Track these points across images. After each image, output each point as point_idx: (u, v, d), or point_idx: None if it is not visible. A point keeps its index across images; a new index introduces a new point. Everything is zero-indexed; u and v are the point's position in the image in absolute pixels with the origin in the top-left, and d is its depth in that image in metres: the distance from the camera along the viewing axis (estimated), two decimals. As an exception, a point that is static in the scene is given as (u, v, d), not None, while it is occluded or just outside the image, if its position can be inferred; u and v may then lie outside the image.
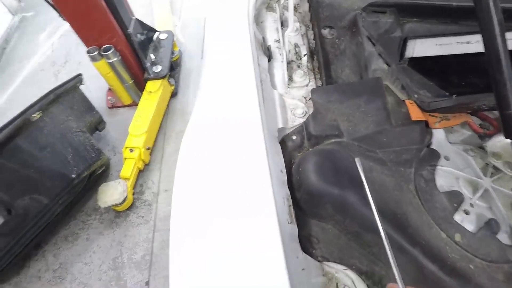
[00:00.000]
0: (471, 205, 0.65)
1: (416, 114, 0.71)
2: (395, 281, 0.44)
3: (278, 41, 0.88)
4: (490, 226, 0.62)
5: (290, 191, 0.65)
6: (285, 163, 0.69)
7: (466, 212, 0.64)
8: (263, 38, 0.87)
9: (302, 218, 0.65)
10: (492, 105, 0.75)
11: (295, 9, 0.94)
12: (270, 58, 0.84)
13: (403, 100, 0.74)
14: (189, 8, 1.74)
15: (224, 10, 1.08)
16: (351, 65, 0.82)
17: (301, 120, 0.75)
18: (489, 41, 0.51)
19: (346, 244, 0.62)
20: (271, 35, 0.90)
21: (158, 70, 1.26)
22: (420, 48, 0.81)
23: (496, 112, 0.83)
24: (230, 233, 0.52)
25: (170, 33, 1.38)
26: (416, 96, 0.73)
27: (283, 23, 0.91)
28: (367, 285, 0.60)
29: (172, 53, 1.37)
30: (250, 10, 0.90)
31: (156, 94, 1.25)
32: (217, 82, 0.85)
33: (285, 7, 0.94)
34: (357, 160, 0.56)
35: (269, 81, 0.78)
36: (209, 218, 0.54)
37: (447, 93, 0.79)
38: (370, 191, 0.62)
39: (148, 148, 1.20)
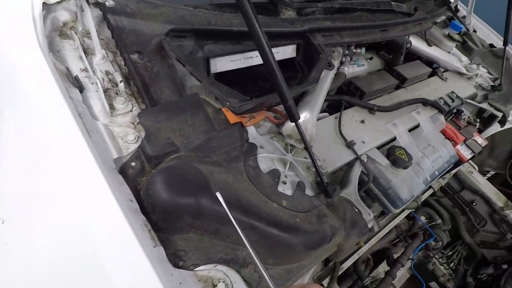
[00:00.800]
0: (285, 176, 0.87)
1: (232, 118, 0.87)
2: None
3: (85, 70, 0.83)
4: (299, 187, 0.85)
5: (145, 216, 0.65)
6: (132, 191, 0.68)
7: (284, 182, 0.85)
8: (67, 68, 0.80)
9: (165, 238, 0.66)
10: (278, 101, 1.01)
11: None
12: (81, 89, 0.78)
13: (220, 109, 0.88)
14: None
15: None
16: (168, 86, 0.89)
17: (136, 146, 0.75)
18: (264, 57, 0.71)
19: (209, 243, 0.69)
20: (75, 64, 0.83)
21: None
22: (220, 64, 0.98)
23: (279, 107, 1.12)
24: (105, 276, 0.48)
25: None
26: (228, 103, 0.88)
27: (86, 51, 0.86)
28: (235, 270, 0.69)
29: None
30: (39, 38, 0.80)
31: None
32: (21, 127, 0.72)
33: (84, 34, 0.89)
34: (217, 194, 0.63)
35: (88, 113, 0.74)
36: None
37: (248, 97, 1.00)
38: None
39: None
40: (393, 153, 1.10)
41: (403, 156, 1.10)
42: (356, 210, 0.94)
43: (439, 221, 1.73)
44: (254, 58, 1.05)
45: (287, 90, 0.73)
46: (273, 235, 0.72)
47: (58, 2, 0.88)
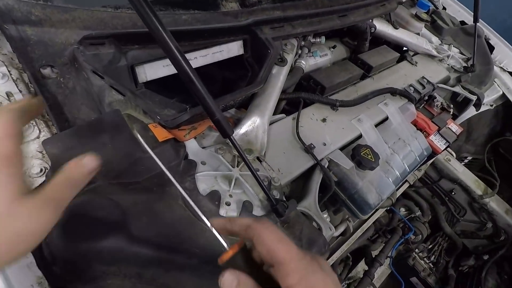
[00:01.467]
0: (230, 195, 0.76)
1: (161, 134, 0.75)
2: None
3: (-21, 93, 0.70)
4: (245, 207, 0.74)
5: (46, 270, 0.54)
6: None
7: (228, 204, 0.74)
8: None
9: (74, 291, 0.56)
10: (222, 107, 0.90)
11: (-3, 50, 0.77)
12: (-29, 117, 0.66)
13: (148, 125, 0.76)
14: None
15: None
16: (87, 103, 0.77)
17: (42, 180, 0.63)
18: (177, 66, 0.59)
19: (131, 291, 0.59)
20: (-33, 88, 0.71)
21: None
22: (150, 71, 0.86)
23: (230, 111, 1.01)
24: None
25: None
26: (158, 117, 0.76)
27: (-18, 70, 0.73)
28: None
29: None
30: None
31: None
32: None
33: (-20, 50, 0.75)
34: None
35: (-23, 148, 0.61)
36: None
37: (188, 106, 0.88)
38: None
39: None
40: (358, 153, 1.01)
41: (369, 156, 1.01)
42: (316, 226, 0.84)
43: (419, 213, 1.66)
44: (193, 61, 0.93)
45: (212, 102, 0.62)
46: (209, 273, 0.62)
47: None
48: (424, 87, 1.37)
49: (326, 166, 0.96)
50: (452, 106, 1.40)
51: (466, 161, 1.87)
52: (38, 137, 0.69)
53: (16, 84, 0.74)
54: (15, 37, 0.75)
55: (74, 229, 0.55)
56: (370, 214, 1.13)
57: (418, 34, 1.60)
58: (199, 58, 0.93)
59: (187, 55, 0.91)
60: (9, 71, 0.75)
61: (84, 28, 0.81)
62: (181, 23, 0.93)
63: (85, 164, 0.42)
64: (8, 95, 0.72)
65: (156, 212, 0.66)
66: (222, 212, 0.72)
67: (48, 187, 0.40)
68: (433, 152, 1.26)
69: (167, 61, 0.88)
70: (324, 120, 1.09)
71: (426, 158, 1.23)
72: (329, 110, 1.13)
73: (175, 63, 0.58)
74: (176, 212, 0.68)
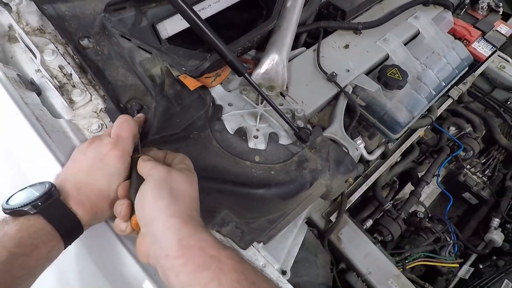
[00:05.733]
0: (257, 130, 0.84)
1: (192, 84, 0.83)
2: None
3: (39, 70, 0.84)
4: (272, 138, 0.82)
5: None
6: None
7: (256, 137, 0.82)
8: (18, 74, 0.81)
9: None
10: (239, 49, 0.94)
11: (42, 31, 0.89)
12: (39, 91, 0.81)
13: (176, 78, 0.84)
14: None
15: None
16: (122, 65, 0.87)
17: (100, 134, 0.78)
18: (184, 17, 0.64)
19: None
20: (30, 67, 0.85)
21: None
22: (170, 27, 0.92)
23: (250, 52, 1.05)
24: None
25: None
26: (184, 68, 0.84)
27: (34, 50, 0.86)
28: (215, 231, 0.72)
29: None
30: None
31: None
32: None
33: (31, 32, 0.88)
34: None
35: (48, 114, 0.76)
36: None
37: (209, 54, 0.94)
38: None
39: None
40: (384, 74, 0.99)
41: (396, 75, 0.99)
42: (343, 148, 0.89)
43: (469, 129, 1.57)
44: (207, 9, 0.97)
45: (222, 45, 0.67)
46: (243, 193, 0.73)
47: (-5, 7, 0.87)
48: (465, -11, 1.22)
49: (350, 92, 0.98)
50: (501, 5, 1.24)
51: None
52: (90, 100, 0.82)
53: (64, 58, 0.86)
54: (53, 15, 0.86)
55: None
56: (403, 133, 1.14)
57: None
58: (213, 5, 0.96)
59: (200, 5, 0.95)
60: (56, 47, 0.87)
61: (106, -4, 0.89)
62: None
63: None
64: (61, 68, 0.85)
65: (195, 152, 0.77)
66: (251, 144, 0.81)
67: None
68: (476, 60, 1.17)
69: (183, 14, 0.92)
70: (346, 46, 1.07)
71: (467, 69, 1.15)
72: (352, 35, 1.09)
73: (182, 13, 0.63)
74: (213, 151, 0.79)
